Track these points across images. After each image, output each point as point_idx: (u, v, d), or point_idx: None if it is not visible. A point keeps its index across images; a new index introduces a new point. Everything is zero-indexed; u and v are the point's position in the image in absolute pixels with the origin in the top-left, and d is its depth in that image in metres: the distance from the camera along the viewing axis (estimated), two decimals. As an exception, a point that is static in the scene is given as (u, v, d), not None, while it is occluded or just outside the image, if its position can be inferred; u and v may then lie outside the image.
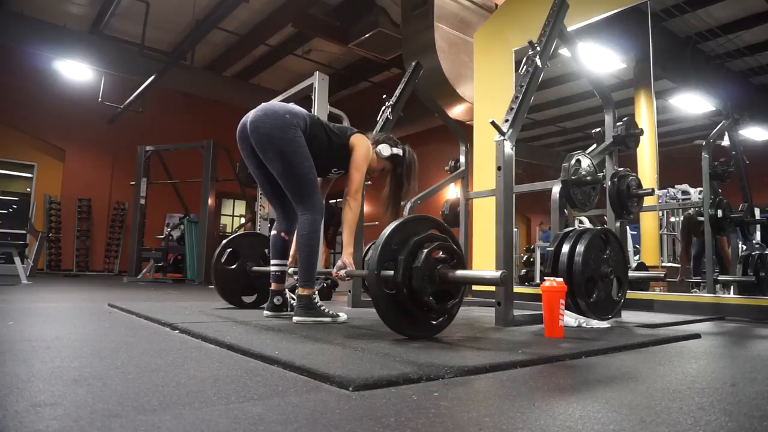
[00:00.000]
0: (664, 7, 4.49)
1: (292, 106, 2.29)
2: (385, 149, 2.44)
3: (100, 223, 10.76)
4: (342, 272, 2.19)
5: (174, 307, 2.72)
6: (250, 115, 2.27)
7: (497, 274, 1.66)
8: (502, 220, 2.29)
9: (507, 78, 4.82)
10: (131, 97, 9.18)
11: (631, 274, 3.02)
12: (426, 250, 1.73)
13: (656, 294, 3.82)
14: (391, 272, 1.72)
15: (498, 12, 5.33)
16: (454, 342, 1.73)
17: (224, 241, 2.96)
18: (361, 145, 2.35)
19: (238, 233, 3.07)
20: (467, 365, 1.28)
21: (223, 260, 2.88)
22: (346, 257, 2.24)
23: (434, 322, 1.82)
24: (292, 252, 2.50)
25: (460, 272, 1.75)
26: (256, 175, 2.42)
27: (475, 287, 4.81)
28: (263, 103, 2.30)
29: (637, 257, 4.94)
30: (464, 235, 3.91)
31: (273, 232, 2.49)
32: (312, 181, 2.24)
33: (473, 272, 1.89)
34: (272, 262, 2.47)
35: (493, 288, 2.26)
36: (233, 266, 2.90)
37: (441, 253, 1.80)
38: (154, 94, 9.65)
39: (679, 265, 5.12)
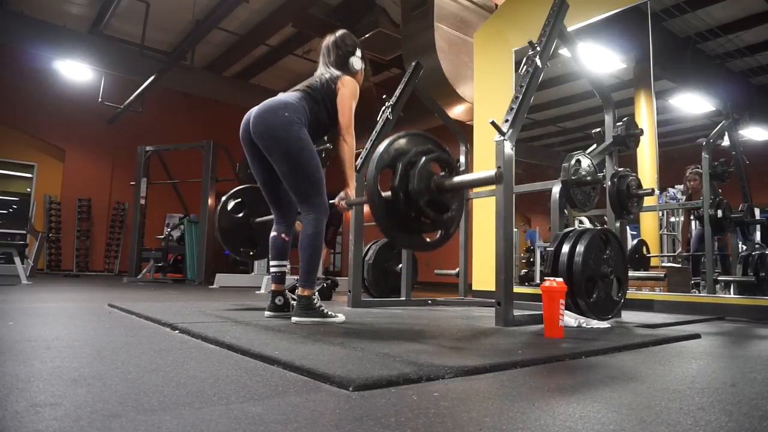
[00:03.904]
0: (664, 7, 4.50)
1: (287, 100, 2.25)
2: (356, 62, 2.45)
3: (100, 223, 10.76)
4: (343, 202, 2.30)
5: (174, 307, 2.72)
6: (252, 114, 2.26)
7: (492, 172, 1.68)
8: (502, 220, 2.29)
9: (507, 78, 4.82)
10: (131, 97, 9.17)
11: (630, 274, 3.02)
12: (424, 158, 1.77)
13: (656, 294, 3.82)
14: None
15: (498, 12, 5.33)
16: (454, 342, 1.73)
17: (233, 190, 2.98)
18: (345, 84, 2.34)
19: (247, 185, 3.05)
20: (467, 365, 1.28)
21: (229, 208, 2.90)
22: (349, 190, 2.31)
23: (428, 239, 1.85)
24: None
25: (456, 178, 1.78)
26: (257, 174, 2.41)
27: (475, 287, 4.82)
28: (265, 102, 2.28)
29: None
30: (464, 235, 3.91)
31: (273, 233, 2.48)
32: (319, 181, 2.24)
33: (469, 175, 1.90)
34: (272, 263, 2.46)
35: (493, 288, 2.26)
36: (239, 215, 2.93)
37: (439, 165, 1.83)
38: (154, 94, 9.65)
39: (679, 265, 5.13)
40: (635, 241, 4.62)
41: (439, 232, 1.88)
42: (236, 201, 2.92)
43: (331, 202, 2.33)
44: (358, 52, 2.47)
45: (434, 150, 1.85)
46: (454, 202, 1.87)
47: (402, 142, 1.82)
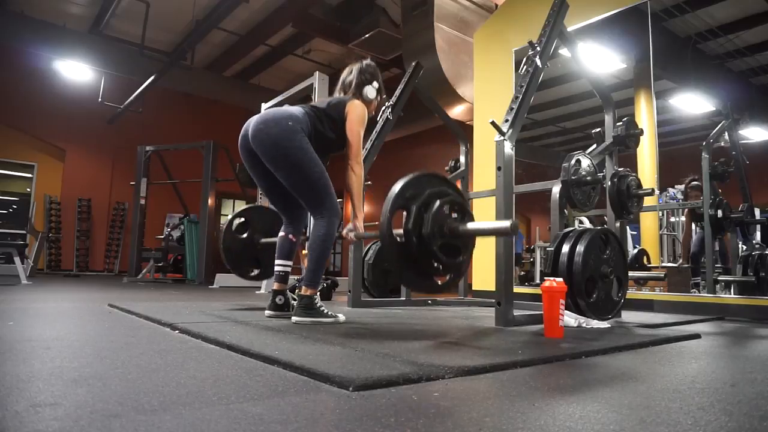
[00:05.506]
0: (664, 8, 4.49)
1: (291, 110, 2.26)
2: (370, 91, 2.46)
3: (100, 223, 10.76)
4: (351, 234, 2.27)
5: (174, 307, 2.72)
6: (251, 125, 2.24)
7: (507, 223, 1.67)
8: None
9: (507, 78, 4.82)
10: (131, 97, 9.17)
11: (630, 274, 3.02)
12: (438, 201, 1.74)
13: (656, 294, 3.82)
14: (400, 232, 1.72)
15: (498, 12, 5.33)
16: (454, 342, 1.73)
17: (237, 211, 3.02)
18: (353, 109, 2.33)
19: (252, 205, 3.11)
20: (467, 365, 1.28)
21: (233, 228, 2.92)
22: (357, 222, 2.30)
23: (440, 281, 1.83)
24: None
25: (470, 225, 1.76)
26: (259, 182, 2.41)
27: (475, 287, 4.82)
28: (263, 112, 2.29)
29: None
30: (464, 235, 3.91)
31: (281, 233, 2.50)
32: (325, 185, 2.24)
33: (483, 224, 1.87)
34: (277, 262, 2.48)
35: (493, 288, 2.26)
36: (243, 236, 2.95)
37: (452, 209, 1.81)
38: (154, 94, 9.65)
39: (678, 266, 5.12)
40: (635, 251, 4.60)
41: (449, 275, 1.85)
42: (240, 221, 2.94)
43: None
44: (375, 84, 2.49)
45: (448, 192, 1.82)
46: (466, 247, 1.85)
47: (416, 182, 1.79)
